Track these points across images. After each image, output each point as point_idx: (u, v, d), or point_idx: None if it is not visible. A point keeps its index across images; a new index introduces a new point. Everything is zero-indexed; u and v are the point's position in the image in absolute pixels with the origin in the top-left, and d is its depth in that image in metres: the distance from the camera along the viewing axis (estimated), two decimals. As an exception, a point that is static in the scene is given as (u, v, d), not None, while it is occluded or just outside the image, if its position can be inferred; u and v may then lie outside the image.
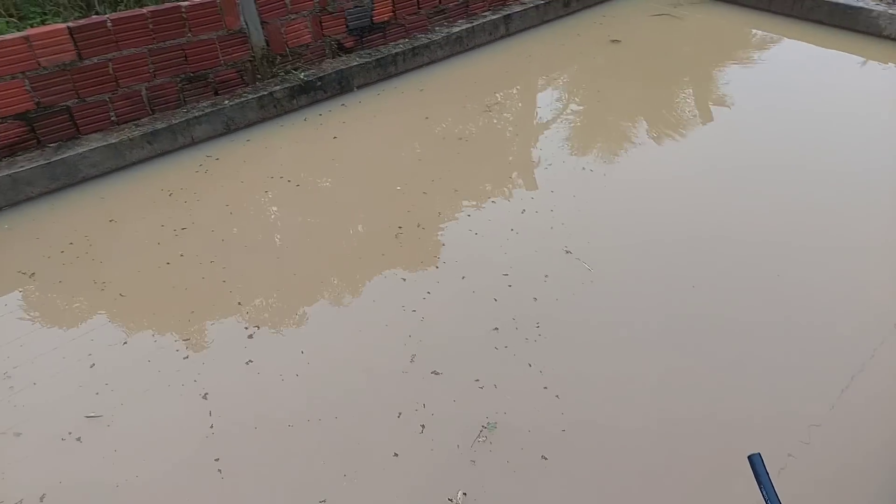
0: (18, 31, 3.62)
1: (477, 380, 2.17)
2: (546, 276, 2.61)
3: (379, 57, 4.38)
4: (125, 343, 2.39)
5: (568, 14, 5.37)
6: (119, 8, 4.01)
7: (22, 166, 3.28)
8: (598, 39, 4.93)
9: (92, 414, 2.10)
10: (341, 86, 4.26)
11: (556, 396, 2.10)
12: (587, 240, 2.81)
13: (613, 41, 4.88)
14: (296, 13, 4.11)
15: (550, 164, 3.41)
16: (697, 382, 2.13)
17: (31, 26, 3.74)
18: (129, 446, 2.00)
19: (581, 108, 4.06)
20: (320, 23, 4.24)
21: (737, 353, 2.23)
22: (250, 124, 3.95)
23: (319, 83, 4.15)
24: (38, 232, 3.03)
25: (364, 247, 2.85)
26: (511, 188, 3.21)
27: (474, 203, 3.10)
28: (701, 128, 3.74)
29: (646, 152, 3.49)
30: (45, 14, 4.10)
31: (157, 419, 2.08)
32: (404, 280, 2.64)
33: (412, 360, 2.25)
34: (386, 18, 4.52)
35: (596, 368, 2.20)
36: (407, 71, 4.51)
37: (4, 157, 3.38)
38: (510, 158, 3.52)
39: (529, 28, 5.13)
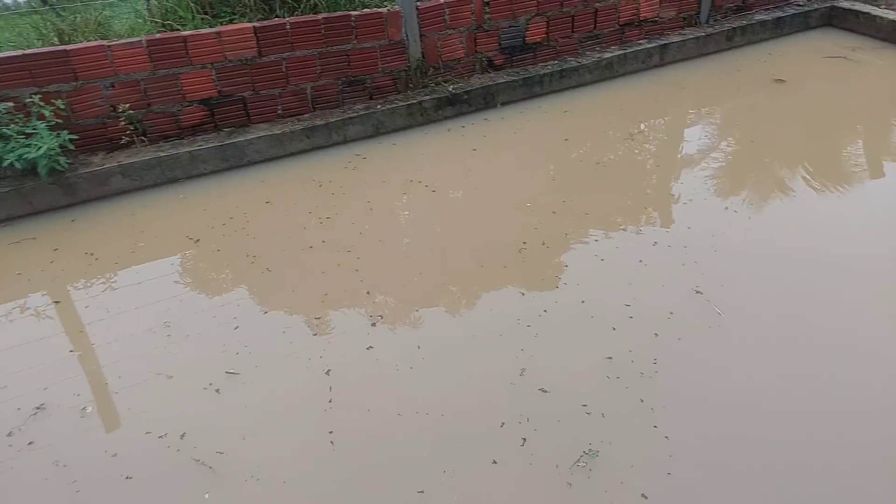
0: (211, 27, 4.11)
1: (584, 405, 2.15)
2: (671, 313, 2.54)
3: (526, 76, 4.46)
4: (265, 313, 2.64)
5: (730, 48, 5.15)
6: (297, 12, 4.41)
7: (200, 146, 3.71)
8: (760, 77, 4.68)
9: (231, 371, 2.34)
10: (486, 101, 4.40)
11: (666, 437, 2.04)
12: (721, 283, 2.68)
13: (777, 80, 4.62)
14: (453, 29, 4.31)
15: (690, 200, 3.29)
16: (824, 451, 1.97)
17: (221, 24, 4.22)
18: (258, 405, 2.20)
19: (732, 146, 3.88)
20: (475, 39, 4.41)
21: (876, 424, 2.04)
22: (398, 129, 4.19)
23: (466, 96, 4.31)
24: (206, 204, 3.42)
25: (487, 257, 2.93)
26: (644, 219, 3.15)
27: (604, 229, 3.08)
28: (867, 182, 3.44)
29: (799, 201, 3.27)
30: (234, 14, 4.60)
31: (284, 385, 2.28)
32: (523, 294, 2.68)
33: (521, 374, 2.29)
34: (538, 39, 4.60)
35: (712, 416, 2.10)
36: (553, 92, 4.56)
37: (187, 136, 3.84)
38: (647, 189, 3.45)
39: (686, 59, 4.99)
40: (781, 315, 2.51)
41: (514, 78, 4.44)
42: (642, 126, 4.09)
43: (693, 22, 5.16)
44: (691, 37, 4.96)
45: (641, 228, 3.07)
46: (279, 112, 4.04)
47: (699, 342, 2.40)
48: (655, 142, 3.94)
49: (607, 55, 4.71)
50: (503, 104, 4.44)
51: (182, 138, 3.80)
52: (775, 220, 3.12)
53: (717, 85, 4.63)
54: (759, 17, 5.29)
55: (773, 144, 3.84)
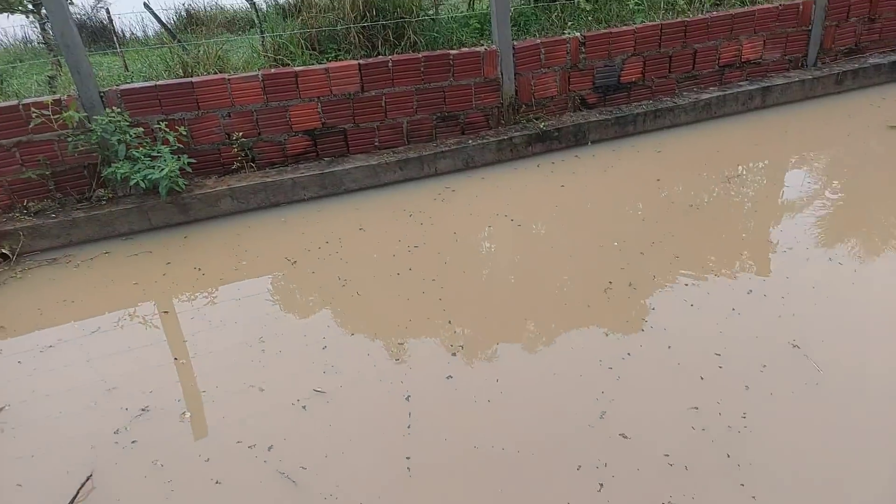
0: (318, 62, 4.40)
1: (667, 455, 2.08)
2: (764, 366, 2.42)
3: (619, 115, 4.45)
4: (352, 335, 2.75)
5: (839, 92, 4.91)
6: (397, 50, 4.64)
7: (302, 173, 3.95)
8: (871, 123, 4.42)
9: (318, 389, 2.45)
10: (577, 138, 4.41)
11: (753, 497, 1.93)
12: (822, 338, 2.53)
13: (891, 127, 4.35)
14: (547, 67, 4.38)
15: (790, 249, 3.14)
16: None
17: (328, 59, 4.51)
18: (341, 424, 2.29)
19: (838, 194, 3.68)
20: (568, 78, 4.45)
21: None
22: (487, 164, 4.28)
23: (556, 133, 4.35)
24: (304, 228, 3.62)
25: (571, 294, 2.91)
26: (739, 266, 3.03)
27: (695, 274, 2.99)
28: None
29: (913, 255, 3.05)
30: (339, 50, 4.89)
31: (366, 408, 2.35)
32: (606, 335, 2.64)
33: (601, 417, 2.24)
34: (633, 79, 4.59)
35: (804, 480, 1.98)
36: (646, 132, 4.51)
37: (290, 164, 4.10)
38: (743, 235, 3.32)
39: (790, 103, 4.80)
40: (886, 377, 2.33)
41: (606, 116, 4.43)
42: (740, 169, 3.95)
43: (799, 64, 4.97)
44: (797, 79, 4.78)
45: (735, 275, 2.96)
46: (376, 144, 4.23)
47: (794, 399, 2.27)
48: (754, 186, 3.80)
49: (705, 96, 4.61)
50: (594, 142, 4.43)
51: (286, 165, 4.06)
52: (883, 275, 2.92)
53: (824, 130, 4.42)
54: (873, 60, 5.02)
55: (883, 194, 3.61)
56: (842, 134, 4.33)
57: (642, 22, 4.63)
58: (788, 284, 2.87)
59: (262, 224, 3.69)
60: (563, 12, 4.89)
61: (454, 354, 2.59)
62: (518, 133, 4.30)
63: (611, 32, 4.38)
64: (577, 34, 4.36)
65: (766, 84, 4.72)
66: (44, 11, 5.90)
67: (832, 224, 3.38)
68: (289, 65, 4.42)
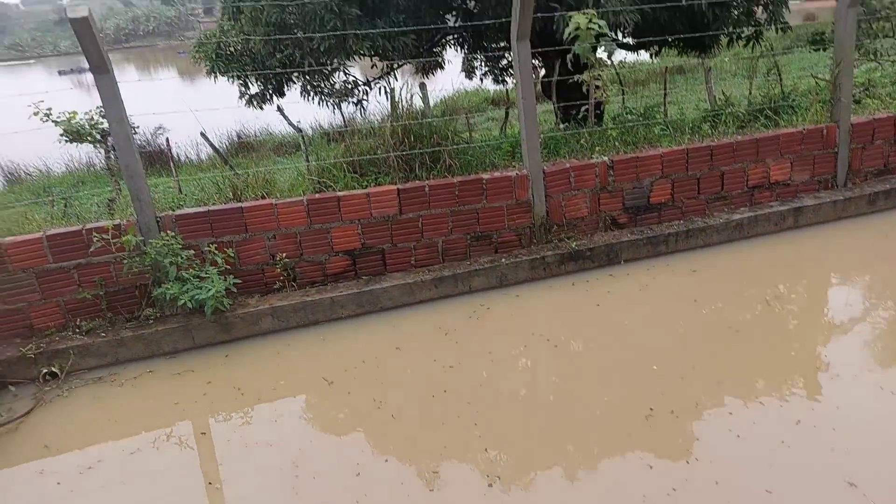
0: (359, 184, 4.64)
1: None
2: (821, 505, 2.28)
3: (651, 235, 4.52)
4: (386, 461, 2.70)
5: (872, 212, 4.93)
6: (433, 172, 4.88)
7: (340, 292, 4.06)
8: (909, 241, 4.41)
9: (351, 520, 2.39)
10: (609, 258, 4.48)
11: None
12: (880, 474, 2.40)
13: (930, 245, 4.32)
14: (577, 190, 4.54)
15: (837, 376, 3.05)
16: None
17: (368, 182, 4.74)
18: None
19: (884, 316, 3.60)
20: (598, 199, 4.60)
21: None
22: (521, 282, 4.34)
23: (589, 253, 4.43)
24: (342, 347, 3.67)
25: (611, 421, 2.84)
26: (786, 393, 2.94)
27: (739, 401, 2.90)
28: None
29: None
30: (379, 173, 5.17)
31: (400, 543, 2.27)
32: (650, 468, 2.55)
33: (649, 560, 2.12)
34: (663, 200, 4.71)
35: None
36: (679, 251, 4.56)
37: (330, 283, 4.23)
38: (787, 360, 3.24)
39: (822, 223, 4.82)
40: (962, 522, 2.17)
41: (638, 236, 4.51)
42: (780, 288, 3.93)
43: (829, 185, 5.04)
44: (828, 200, 4.84)
45: (782, 404, 2.86)
46: (412, 262, 4.36)
47: (859, 545, 2.12)
48: (795, 308, 3.76)
49: (736, 216, 4.68)
50: (627, 261, 4.49)
51: (326, 284, 4.19)
52: (944, 405, 2.79)
53: (862, 249, 4.40)
54: (904, 179, 5.08)
55: (932, 316, 3.52)
56: (881, 253, 4.30)
57: (668, 146, 4.82)
58: (839, 415, 2.75)
59: (302, 342, 3.76)
60: (591, 136, 5.14)
61: (490, 486, 2.52)
62: (550, 252, 4.40)
63: (638, 157, 4.57)
64: (605, 158, 4.55)
65: (798, 205, 4.78)
66: (110, 141, 6.45)
67: (880, 348, 3.28)
68: (332, 187, 4.67)
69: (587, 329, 3.68)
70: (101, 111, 6.19)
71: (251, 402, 3.22)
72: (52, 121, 6.04)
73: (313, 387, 3.31)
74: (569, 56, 4.60)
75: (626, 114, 5.69)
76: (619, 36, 6.37)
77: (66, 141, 6.49)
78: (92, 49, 3.43)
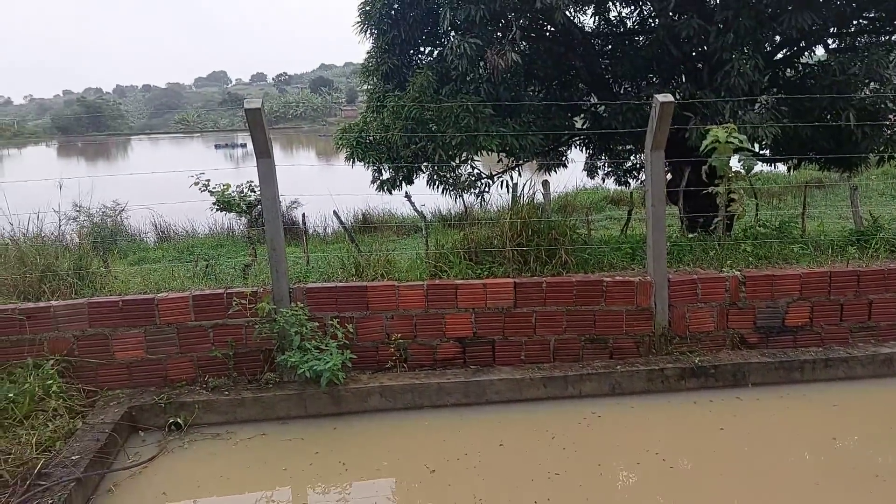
0: (473, 272, 4.70)
1: None
2: None
3: (784, 360, 4.19)
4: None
5: None
6: (548, 267, 4.85)
7: (448, 378, 4.07)
8: None
9: None
10: (735, 378, 4.17)
11: None
12: None
13: None
14: (704, 303, 4.34)
15: None
16: None
17: (482, 270, 4.79)
18: None
19: None
20: (726, 315, 4.36)
21: None
22: (635, 392, 4.13)
23: (713, 371, 4.15)
24: (446, 435, 3.64)
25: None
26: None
27: (892, 567, 2.52)
28: None
29: None
30: (494, 263, 5.21)
31: None
32: None
33: None
34: (799, 323, 4.37)
35: None
36: (815, 381, 4.16)
37: (439, 367, 4.26)
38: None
39: None
40: None
41: (769, 359, 4.19)
42: (937, 439, 3.45)
43: None
44: None
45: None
46: (522, 358, 4.31)
47: None
48: (958, 463, 3.27)
49: (885, 350, 4.24)
50: (755, 385, 4.15)
51: (434, 369, 4.22)
52: None
53: None
54: None
55: None
56: None
57: (808, 266, 4.53)
58: None
59: (408, 425, 3.76)
60: (721, 248, 4.94)
61: None
62: (670, 365, 4.17)
63: (774, 275, 4.32)
64: (737, 273, 4.34)
65: (960, 342, 4.27)
66: (253, 213, 7.10)
67: None
68: (447, 272, 4.79)
69: (707, 454, 3.40)
70: (251, 185, 6.87)
71: (354, 478, 3.24)
72: (209, 191, 6.77)
73: (415, 473, 3.28)
74: (703, 168, 4.53)
75: (760, 226, 5.45)
76: (757, 148, 6.23)
77: (217, 209, 7.21)
78: (259, 136, 3.86)
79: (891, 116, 6.15)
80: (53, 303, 3.94)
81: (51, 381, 3.61)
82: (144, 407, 3.75)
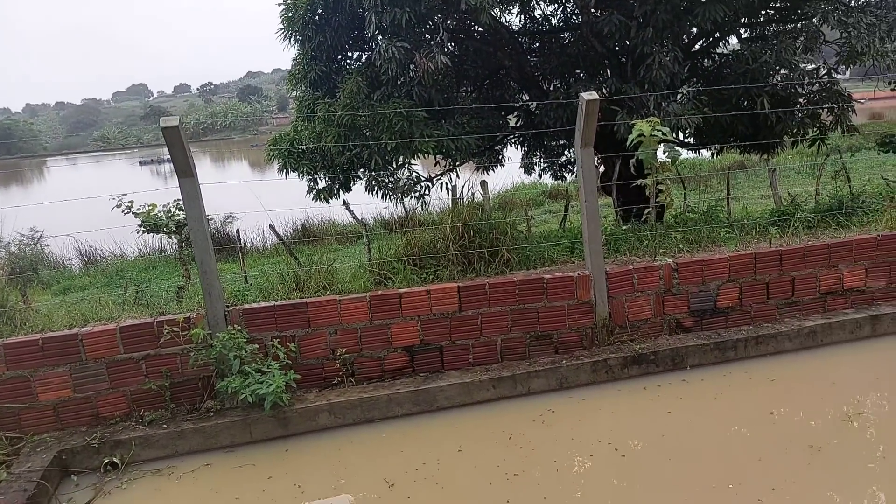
0: (418, 277, 4.68)
1: None
2: None
3: (718, 340, 4.35)
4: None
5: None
6: (491, 266, 4.88)
7: (398, 389, 4.01)
8: None
9: None
10: (674, 362, 4.30)
11: None
12: None
13: None
14: (640, 292, 4.45)
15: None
16: None
17: (427, 274, 4.77)
18: None
19: None
20: (662, 302, 4.49)
21: None
22: (582, 385, 4.20)
23: (653, 357, 4.27)
24: (403, 445, 3.59)
25: (688, 550, 2.62)
26: (882, 527, 2.67)
27: (830, 534, 2.64)
28: None
29: None
30: (438, 266, 5.20)
31: None
32: None
33: None
34: (730, 304, 4.55)
35: None
36: (748, 358, 4.34)
37: (387, 379, 4.20)
38: (877, 488, 2.96)
39: (904, 331, 4.54)
40: None
41: (705, 341, 4.34)
42: (866, 403, 3.66)
43: (909, 291, 4.78)
44: (909, 307, 4.57)
45: (881, 540, 2.59)
46: (470, 360, 4.30)
47: None
48: (882, 426, 3.47)
49: (809, 323, 4.46)
50: (693, 367, 4.30)
51: (383, 380, 4.16)
52: None
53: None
54: None
55: None
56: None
57: (734, 248, 4.72)
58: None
59: (362, 440, 3.69)
60: (653, 236, 5.09)
61: None
62: (613, 355, 4.26)
63: (704, 260, 4.48)
64: (670, 261, 4.47)
65: (875, 312, 4.53)
66: (183, 233, 6.82)
67: None
68: (392, 279, 4.74)
69: (657, 438, 3.48)
70: (178, 203, 6.61)
71: (312, 499, 3.16)
72: (133, 213, 6.47)
73: (374, 488, 3.22)
74: (632, 161, 4.66)
75: (689, 212, 5.65)
76: (681, 136, 6.46)
77: (144, 231, 6.90)
78: (179, 155, 3.70)
79: (801, 101, 6.50)
80: (-36, 347, 3.66)
81: (-32, 433, 3.35)
82: (75, 449, 3.53)
